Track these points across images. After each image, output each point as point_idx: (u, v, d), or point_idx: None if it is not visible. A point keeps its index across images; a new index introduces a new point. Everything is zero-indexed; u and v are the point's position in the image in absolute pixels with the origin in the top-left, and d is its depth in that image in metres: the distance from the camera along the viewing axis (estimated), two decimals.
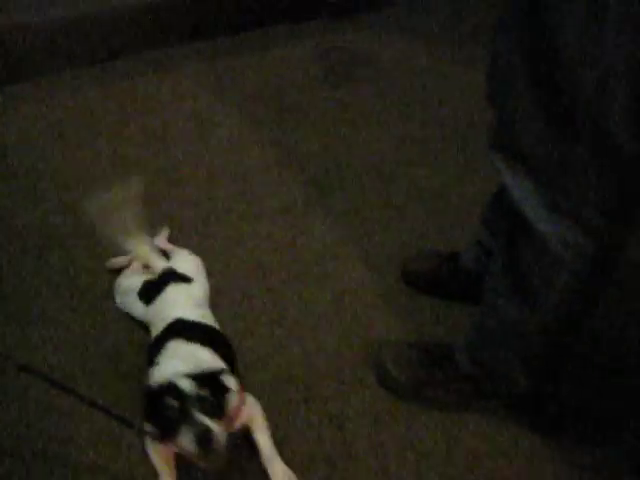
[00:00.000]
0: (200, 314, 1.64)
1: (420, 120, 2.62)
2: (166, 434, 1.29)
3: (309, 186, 2.26)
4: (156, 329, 1.61)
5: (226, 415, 1.34)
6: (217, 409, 1.30)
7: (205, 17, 3.01)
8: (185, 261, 1.82)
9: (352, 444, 1.58)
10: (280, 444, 1.53)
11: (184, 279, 1.72)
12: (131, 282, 1.78)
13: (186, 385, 1.29)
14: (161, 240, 1.96)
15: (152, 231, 1.88)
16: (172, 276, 1.71)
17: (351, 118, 2.62)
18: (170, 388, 1.30)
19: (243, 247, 2.03)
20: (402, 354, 1.70)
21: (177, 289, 1.69)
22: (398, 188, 2.27)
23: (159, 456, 1.44)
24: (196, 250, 1.95)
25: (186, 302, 1.66)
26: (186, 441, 1.25)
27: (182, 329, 1.56)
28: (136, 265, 1.83)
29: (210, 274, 1.88)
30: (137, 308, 1.74)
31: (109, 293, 1.84)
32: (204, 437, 1.24)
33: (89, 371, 1.69)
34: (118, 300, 1.81)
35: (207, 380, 1.33)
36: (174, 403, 1.27)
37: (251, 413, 1.49)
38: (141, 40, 2.92)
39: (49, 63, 2.77)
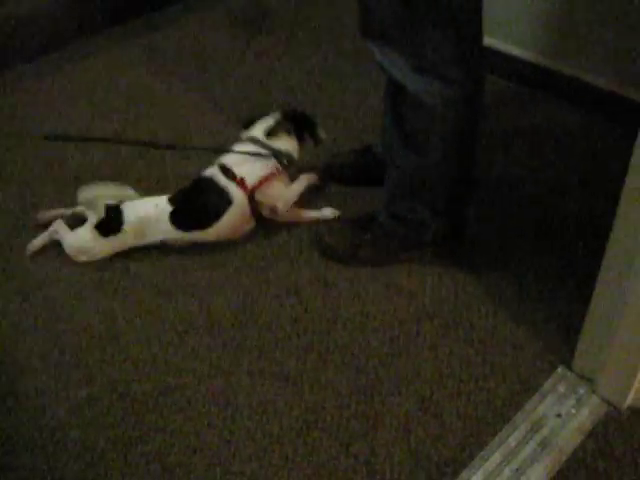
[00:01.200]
0: None
1: (322, 53, 2.99)
2: None
3: (236, 122, 2.57)
4: None
5: None
6: None
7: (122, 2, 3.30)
8: None
9: (308, 304, 1.93)
10: (250, 318, 1.89)
11: None
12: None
13: None
14: None
15: None
16: None
17: (266, 63, 2.96)
18: None
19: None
20: (336, 228, 2.04)
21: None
22: (314, 109, 2.60)
23: None
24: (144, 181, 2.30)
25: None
26: None
27: None
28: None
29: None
30: None
31: None
32: None
33: None
34: None
35: None
36: None
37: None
38: (72, 30, 3.17)
39: None
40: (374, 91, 2.56)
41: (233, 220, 2.03)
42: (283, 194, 2.07)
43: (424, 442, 1.60)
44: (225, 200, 2.00)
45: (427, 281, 1.96)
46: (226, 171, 2.02)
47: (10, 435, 1.66)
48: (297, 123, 2.12)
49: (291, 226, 2.15)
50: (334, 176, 2.27)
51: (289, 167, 2.08)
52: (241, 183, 2.01)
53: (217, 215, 2.00)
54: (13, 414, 1.71)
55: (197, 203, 2.05)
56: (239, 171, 2.01)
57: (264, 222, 2.13)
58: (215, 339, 1.85)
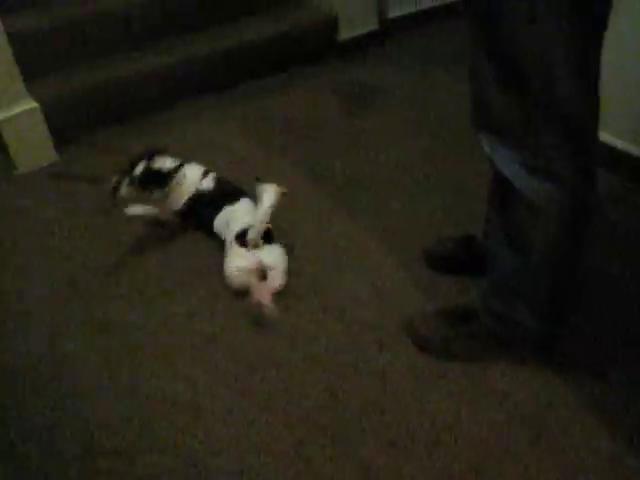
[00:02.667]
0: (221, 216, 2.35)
1: (427, 134, 2.97)
2: None
3: (338, 196, 2.60)
4: None
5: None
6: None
7: (234, 67, 3.40)
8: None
9: (396, 395, 1.87)
10: (336, 402, 1.85)
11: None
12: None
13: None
14: None
15: None
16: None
17: (367, 139, 2.98)
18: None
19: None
20: (430, 318, 1.99)
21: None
22: (415, 190, 2.60)
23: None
24: None
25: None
26: None
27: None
28: None
29: None
30: None
31: None
32: None
33: None
34: None
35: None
36: None
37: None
38: (176, 94, 3.31)
39: (96, 123, 3.16)
40: (478, 180, 2.52)
41: None
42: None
43: None
44: None
45: (521, 383, 1.88)
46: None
47: None
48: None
49: (384, 309, 2.12)
50: (433, 263, 2.23)
51: None
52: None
53: None
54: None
55: None
56: None
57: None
58: (298, 421, 1.81)
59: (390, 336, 2.03)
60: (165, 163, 2.37)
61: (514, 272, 1.75)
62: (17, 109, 2.81)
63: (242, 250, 2.14)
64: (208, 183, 2.40)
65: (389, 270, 2.25)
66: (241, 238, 2.15)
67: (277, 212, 2.34)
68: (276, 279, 2.13)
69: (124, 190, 2.28)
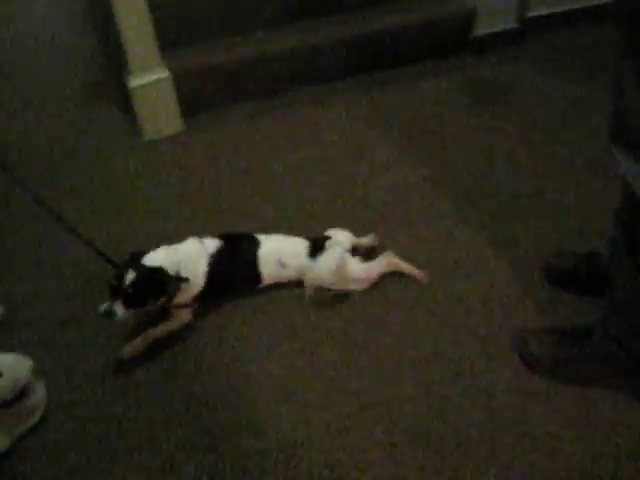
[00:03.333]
0: (269, 260, 2.13)
1: (561, 143, 2.82)
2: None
3: (459, 197, 2.52)
4: None
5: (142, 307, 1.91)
6: (135, 300, 1.87)
7: (362, 56, 3.35)
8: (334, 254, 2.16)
9: (497, 411, 1.80)
10: (435, 410, 1.80)
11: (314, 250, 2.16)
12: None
13: (128, 277, 1.85)
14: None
15: None
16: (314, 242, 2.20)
17: (495, 141, 2.86)
18: (118, 274, 1.87)
19: (399, 248, 2.29)
20: (543, 336, 1.90)
21: (295, 244, 2.19)
22: (540, 200, 2.48)
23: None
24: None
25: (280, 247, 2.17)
26: (101, 308, 1.84)
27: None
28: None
29: None
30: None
31: None
32: (108, 314, 1.84)
33: None
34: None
35: (146, 278, 1.88)
36: (114, 284, 1.86)
37: (179, 313, 2.06)
38: (303, 78, 3.30)
39: (225, 98, 3.20)
40: (610, 195, 2.38)
41: None
42: None
43: None
44: None
45: (636, 416, 1.76)
46: None
47: None
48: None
49: (494, 319, 2.04)
50: (552, 278, 2.13)
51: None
52: None
53: None
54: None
55: None
56: None
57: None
58: (394, 425, 1.77)
59: (498, 349, 1.95)
60: (156, 258, 1.95)
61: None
62: (150, 77, 2.87)
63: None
64: (214, 245, 2.08)
65: (504, 280, 2.17)
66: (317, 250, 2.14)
67: (393, 210, 2.32)
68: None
69: (120, 313, 1.84)
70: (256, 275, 2.13)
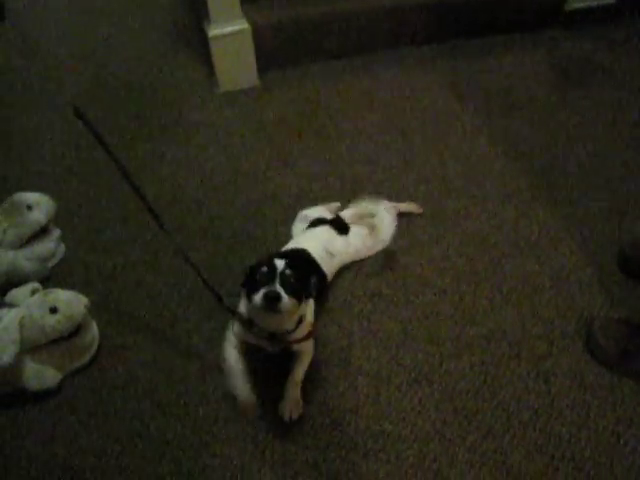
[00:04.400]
0: (321, 257, 1.93)
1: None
2: (249, 293, 1.60)
3: (534, 176, 2.42)
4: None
5: (298, 301, 1.61)
6: (293, 288, 1.58)
7: (446, 21, 3.24)
8: (360, 228, 2.12)
9: (555, 398, 1.73)
10: (489, 391, 1.75)
11: (340, 229, 2.06)
12: (309, 212, 2.16)
13: (279, 262, 1.60)
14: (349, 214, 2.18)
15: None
16: (335, 222, 2.07)
17: (578, 120, 2.73)
18: (268, 261, 1.61)
19: (470, 222, 2.23)
20: (612, 326, 1.81)
21: (325, 232, 2.04)
22: (620, 185, 2.36)
23: (236, 348, 1.75)
24: (428, 219, 2.23)
25: (318, 242, 1.97)
26: (258, 297, 1.55)
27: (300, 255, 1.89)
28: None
29: (442, 240, 2.17)
30: (298, 231, 2.11)
31: None
32: (273, 297, 1.53)
33: None
34: (293, 227, 2.17)
35: (297, 265, 1.62)
36: (264, 270, 1.58)
37: (307, 346, 1.77)
38: (382, 40, 3.21)
39: (303, 55, 3.14)
40: None
41: None
42: None
43: None
44: None
45: None
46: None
47: None
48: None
49: (561, 303, 1.97)
50: (627, 267, 2.04)
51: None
52: None
53: None
54: None
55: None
56: None
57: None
58: (446, 401, 1.72)
59: (563, 335, 1.88)
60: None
61: None
62: (230, 27, 2.84)
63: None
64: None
65: (576, 264, 2.08)
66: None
67: (466, 182, 2.25)
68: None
69: (286, 298, 1.57)
70: (324, 277, 1.95)
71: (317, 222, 2.09)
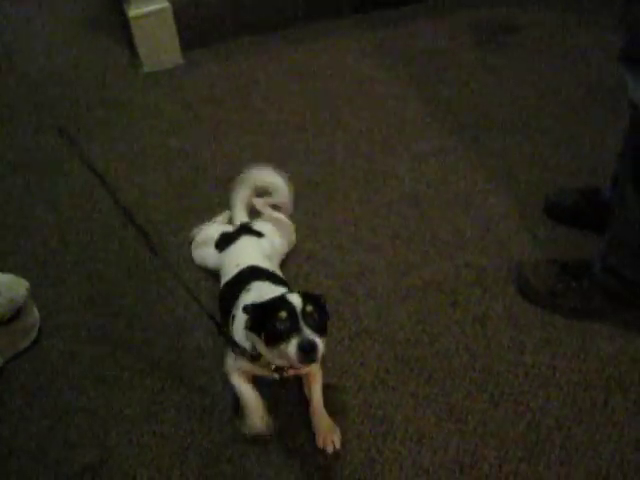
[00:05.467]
0: (269, 265, 1.79)
1: (560, 79, 2.77)
2: (272, 342, 1.39)
3: (460, 132, 2.48)
4: (226, 274, 1.79)
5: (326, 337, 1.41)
6: (319, 326, 1.39)
7: None
8: (264, 223, 1.97)
9: (492, 339, 1.79)
10: (428, 338, 1.79)
11: (256, 234, 1.88)
12: (208, 233, 1.98)
13: (294, 299, 1.40)
14: (260, 203, 2.06)
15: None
16: (246, 230, 1.90)
17: (497, 78, 2.81)
18: (281, 303, 1.41)
19: (400, 181, 2.27)
20: (541, 267, 1.88)
21: (249, 241, 1.86)
22: (540, 135, 2.45)
23: (242, 376, 1.59)
24: (360, 180, 2.27)
25: (255, 252, 1.82)
26: (292, 348, 1.34)
27: (260, 274, 1.71)
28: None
29: (373, 200, 2.20)
30: (211, 256, 1.92)
31: None
32: (309, 346, 1.33)
33: None
34: (195, 255, 2.01)
35: (312, 299, 1.43)
36: (284, 315, 1.37)
37: (316, 366, 1.61)
38: (308, 13, 3.22)
39: (226, 32, 3.13)
40: (612, 129, 2.35)
41: None
42: None
43: None
44: None
45: (628, 350, 1.76)
46: None
47: None
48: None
49: (492, 251, 2.02)
50: (553, 213, 2.10)
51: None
52: None
53: None
54: None
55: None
56: None
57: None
58: (387, 351, 1.77)
59: (495, 280, 1.94)
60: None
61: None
62: (149, 7, 2.82)
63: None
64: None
65: (504, 214, 2.15)
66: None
67: (393, 143, 2.29)
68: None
69: (321, 344, 1.37)
70: None
71: (226, 238, 1.91)
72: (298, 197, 2.20)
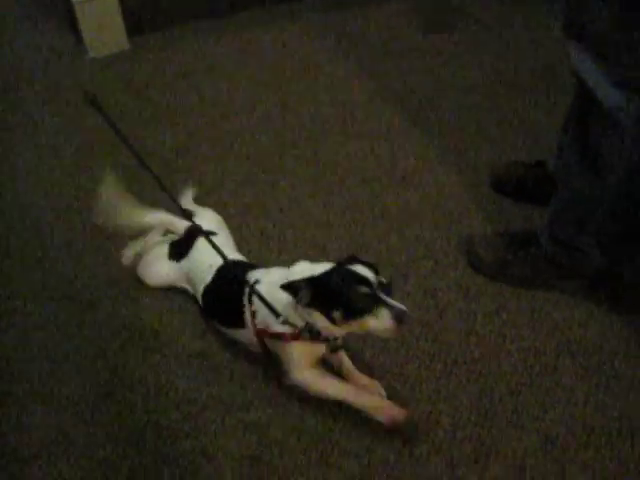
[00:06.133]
0: (240, 256, 1.78)
1: (508, 61, 2.81)
2: (354, 315, 1.39)
3: (407, 113, 2.51)
4: (200, 280, 1.72)
5: None
6: (391, 293, 1.42)
7: None
8: (207, 218, 1.87)
9: (444, 311, 1.82)
10: None
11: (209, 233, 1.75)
12: (156, 252, 1.85)
13: (364, 271, 1.41)
14: (187, 200, 1.99)
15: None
16: (197, 231, 1.75)
17: (445, 60, 2.83)
18: (353, 274, 1.41)
19: (350, 161, 2.29)
20: (489, 239, 1.92)
21: (204, 242, 1.71)
22: (488, 114, 2.49)
23: (311, 369, 1.54)
24: (310, 161, 2.28)
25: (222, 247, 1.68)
26: (385, 320, 1.36)
27: (244, 264, 1.70)
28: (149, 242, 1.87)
29: (323, 180, 2.22)
30: (169, 269, 1.82)
31: None
32: (401, 315, 1.36)
33: None
34: (148, 274, 1.87)
35: (369, 264, 1.45)
36: (364, 288, 1.38)
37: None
38: None
39: (172, 17, 3.10)
40: (555, 105, 2.41)
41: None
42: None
43: None
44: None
45: (575, 316, 1.81)
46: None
47: None
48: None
49: (441, 225, 2.06)
50: (500, 187, 2.14)
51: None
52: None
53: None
54: None
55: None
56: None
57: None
58: None
59: (445, 254, 1.98)
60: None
61: (585, 196, 1.66)
62: None
63: None
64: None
65: (453, 190, 2.18)
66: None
67: (342, 125, 2.31)
68: None
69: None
70: None
71: (178, 246, 1.82)
72: (248, 178, 2.22)
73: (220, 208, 2.03)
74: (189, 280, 1.80)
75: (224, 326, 1.71)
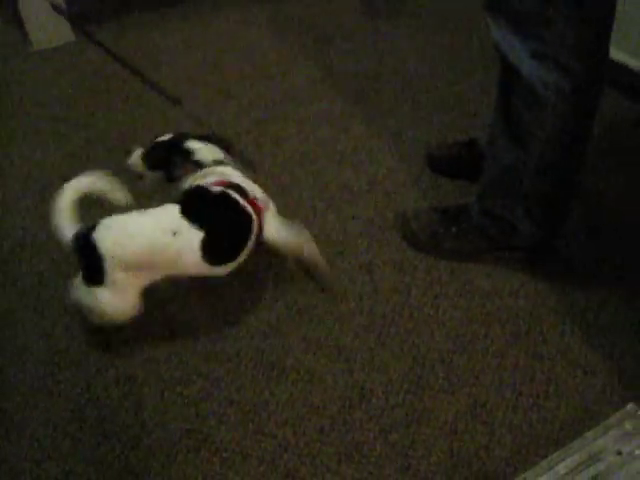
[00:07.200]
0: None
1: (447, 45, 2.88)
2: None
3: (349, 98, 2.55)
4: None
5: None
6: None
7: None
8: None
9: (378, 285, 1.86)
10: (316, 286, 1.85)
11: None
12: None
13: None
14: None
15: None
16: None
17: (387, 45, 2.89)
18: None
19: (290, 144, 2.33)
20: (423, 214, 1.97)
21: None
22: (427, 97, 2.55)
23: None
24: (252, 146, 2.30)
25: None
26: None
27: None
28: None
29: (264, 163, 2.26)
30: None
31: None
32: None
33: None
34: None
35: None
36: None
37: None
38: None
39: (117, 8, 3.12)
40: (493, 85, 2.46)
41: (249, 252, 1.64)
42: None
43: (467, 448, 1.52)
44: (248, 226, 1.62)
45: (506, 286, 1.86)
46: (239, 189, 1.62)
47: None
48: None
49: (378, 203, 2.10)
50: (435, 166, 2.19)
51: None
52: (254, 205, 1.64)
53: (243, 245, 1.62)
54: None
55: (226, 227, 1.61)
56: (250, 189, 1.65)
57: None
58: (278, 299, 1.82)
59: (381, 230, 2.02)
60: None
61: (512, 169, 1.71)
62: None
63: None
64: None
65: (390, 169, 2.23)
66: None
67: (284, 109, 2.34)
68: None
69: None
70: None
71: None
72: None
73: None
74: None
75: None
